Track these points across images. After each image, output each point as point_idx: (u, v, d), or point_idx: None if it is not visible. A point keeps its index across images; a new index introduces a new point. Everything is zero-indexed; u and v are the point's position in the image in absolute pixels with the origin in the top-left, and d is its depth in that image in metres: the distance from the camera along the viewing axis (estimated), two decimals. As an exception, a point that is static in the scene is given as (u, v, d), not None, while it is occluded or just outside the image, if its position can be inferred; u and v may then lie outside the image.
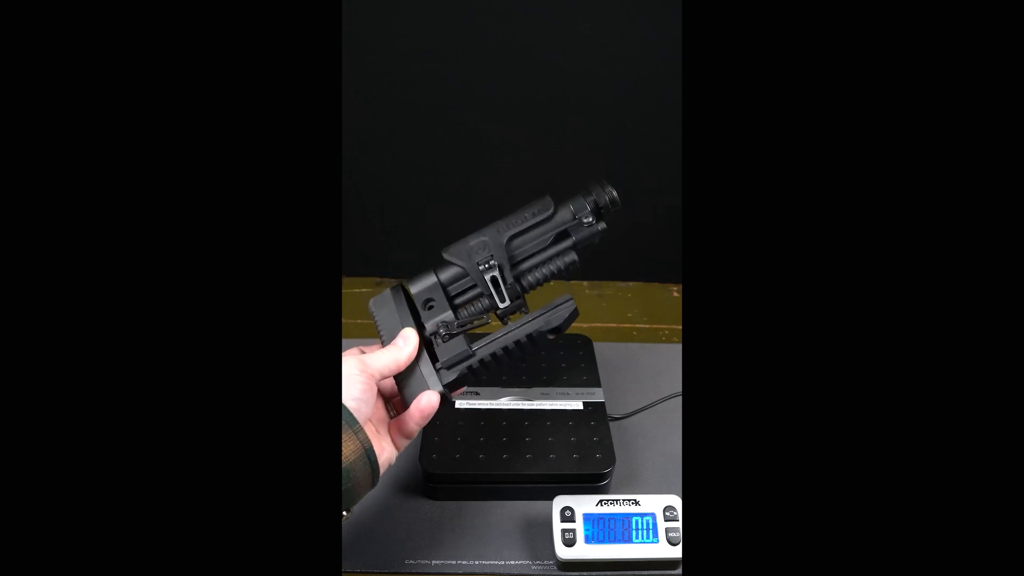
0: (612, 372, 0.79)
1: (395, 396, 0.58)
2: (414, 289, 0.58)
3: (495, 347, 0.55)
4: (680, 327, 0.89)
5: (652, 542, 0.58)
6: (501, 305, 0.56)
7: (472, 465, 0.64)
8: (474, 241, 0.57)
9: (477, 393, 0.71)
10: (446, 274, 0.57)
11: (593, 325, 0.90)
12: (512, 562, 0.60)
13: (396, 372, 0.54)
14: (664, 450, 0.71)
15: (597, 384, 0.73)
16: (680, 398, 0.77)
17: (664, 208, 0.85)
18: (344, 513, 0.51)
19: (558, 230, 0.58)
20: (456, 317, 0.57)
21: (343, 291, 0.90)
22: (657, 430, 0.73)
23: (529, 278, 0.58)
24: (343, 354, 0.54)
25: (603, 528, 0.59)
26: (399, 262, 0.97)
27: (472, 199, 0.92)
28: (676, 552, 0.58)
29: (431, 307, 0.57)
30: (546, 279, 0.58)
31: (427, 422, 0.54)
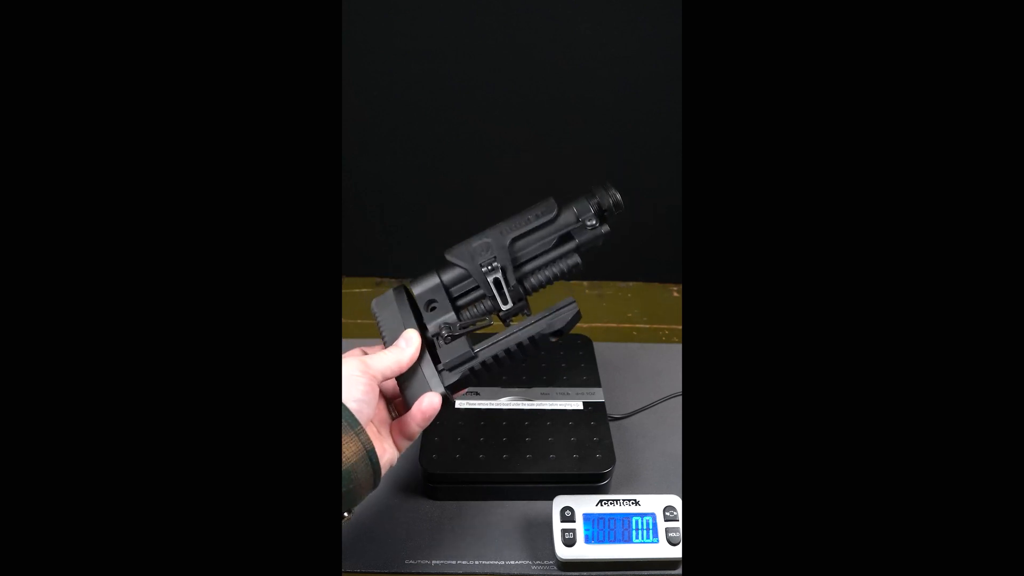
0: (612, 372, 0.79)
1: (397, 397, 0.58)
2: (416, 290, 0.57)
3: (497, 349, 0.55)
4: (680, 327, 0.89)
5: (652, 542, 0.58)
6: (504, 307, 0.56)
7: (472, 465, 0.64)
8: (477, 243, 0.57)
9: (477, 393, 0.71)
10: (448, 275, 0.57)
11: (593, 325, 0.90)
12: (512, 562, 0.60)
13: (398, 373, 0.54)
14: (664, 450, 0.71)
15: (597, 384, 0.73)
16: (680, 398, 0.77)
17: (664, 208, 0.85)
18: (345, 514, 0.51)
19: (561, 232, 0.57)
20: (458, 318, 0.57)
21: (343, 291, 0.90)
22: (657, 430, 0.73)
23: (532, 280, 0.58)
24: (345, 355, 0.54)
25: (603, 528, 0.59)
26: (399, 262, 0.97)
27: (472, 199, 0.92)
28: (676, 552, 0.58)
29: (433, 308, 0.57)
30: (549, 281, 0.58)
31: (429, 423, 0.54)
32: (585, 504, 0.60)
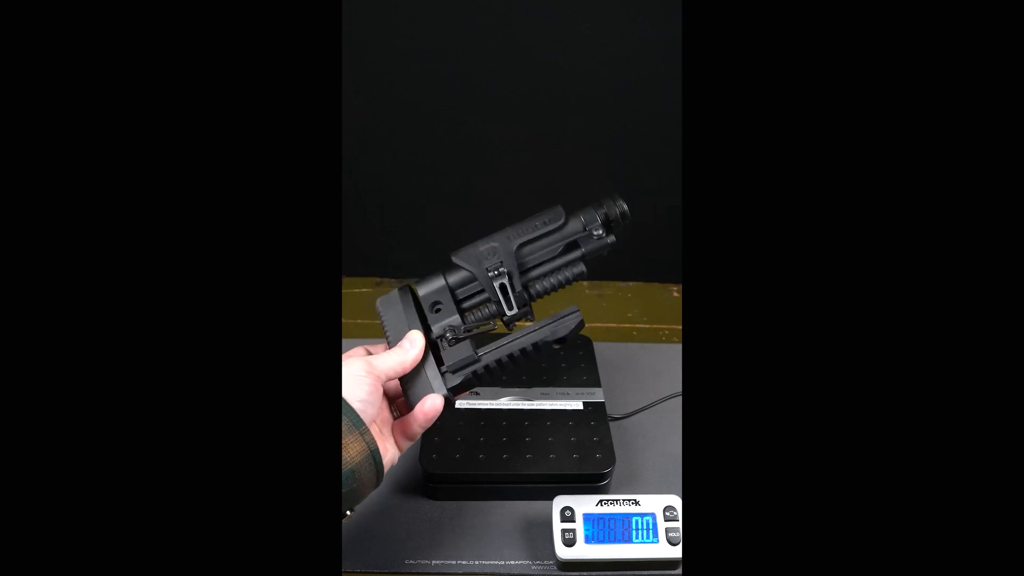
0: (612, 372, 0.79)
1: (399, 397, 0.58)
2: (422, 291, 0.58)
3: (501, 354, 0.55)
4: (680, 327, 0.89)
5: (652, 542, 0.58)
6: (508, 312, 0.57)
7: (472, 465, 0.64)
8: (484, 246, 0.57)
9: (477, 393, 0.71)
10: (454, 277, 0.58)
11: (593, 325, 0.90)
12: (512, 562, 0.60)
13: (402, 374, 0.55)
14: (664, 450, 0.71)
15: (597, 384, 0.73)
16: (680, 398, 0.77)
17: (664, 208, 0.85)
18: (347, 513, 0.51)
19: (568, 240, 0.58)
20: (463, 321, 0.57)
21: (343, 291, 0.90)
22: (657, 430, 0.73)
23: (537, 287, 0.58)
24: (349, 353, 0.54)
25: (603, 528, 0.59)
26: (399, 262, 0.97)
27: (472, 199, 0.92)
28: (676, 552, 0.58)
29: (438, 310, 0.57)
30: (553, 288, 0.58)
31: (430, 425, 0.55)
32: (585, 504, 0.60)
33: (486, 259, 0.57)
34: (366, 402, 0.50)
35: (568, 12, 0.80)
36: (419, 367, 0.55)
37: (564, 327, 0.55)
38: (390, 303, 0.58)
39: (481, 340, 0.57)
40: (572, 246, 0.58)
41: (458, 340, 0.56)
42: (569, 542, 0.58)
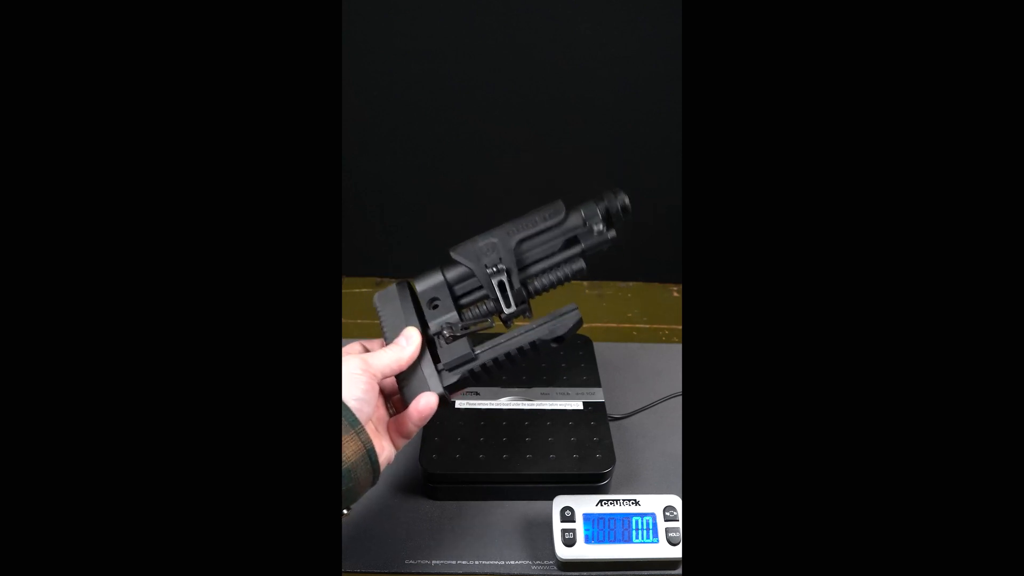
0: (612, 372, 0.79)
1: (395, 394, 0.58)
2: (420, 287, 0.57)
3: (498, 352, 0.55)
4: (680, 327, 0.89)
5: (652, 542, 0.58)
6: (507, 310, 0.56)
7: (472, 465, 0.64)
8: (483, 242, 0.57)
9: (477, 393, 0.71)
10: (452, 273, 0.57)
11: (593, 325, 0.90)
12: (512, 562, 0.60)
13: (398, 372, 0.54)
14: (664, 450, 0.71)
15: (597, 384, 0.73)
16: (680, 398, 0.77)
17: (664, 208, 0.85)
18: (344, 511, 0.51)
19: (567, 236, 0.57)
20: (460, 318, 0.57)
21: (343, 291, 0.90)
22: (657, 430, 0.73)
23: (536, 283, 0.57)
24: (345, 351, 0.54)
25: (603, 528, 0.59)
26: (399, 262, 0.97)
27: (472, 199, 0.92)
28: (676, 552, 0.58)
29: (436, 306, 0.57)
30: (552, 285, 0.57)
31: (425, 423, 0.54)
32: (585, 504, 0.60)
33: (485, 256, 0.56)
34: (362, 400, 0.50)
35: (568, 12, 0.80)
36: (415, 364, 0.55)
37: (562, 325, 0.55)
38: (388, 298, 0.58)
39: (479, 338, 0.56)
40: (572, 242, 0.57)
41: (455, 337, 0.55)
42: (569, 542, 0.58)
